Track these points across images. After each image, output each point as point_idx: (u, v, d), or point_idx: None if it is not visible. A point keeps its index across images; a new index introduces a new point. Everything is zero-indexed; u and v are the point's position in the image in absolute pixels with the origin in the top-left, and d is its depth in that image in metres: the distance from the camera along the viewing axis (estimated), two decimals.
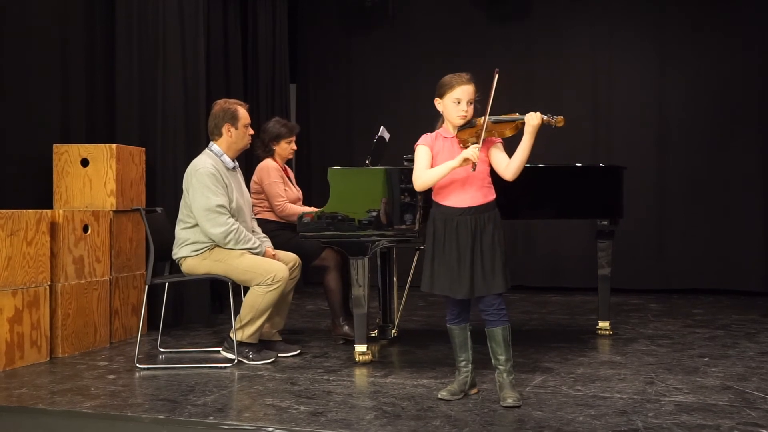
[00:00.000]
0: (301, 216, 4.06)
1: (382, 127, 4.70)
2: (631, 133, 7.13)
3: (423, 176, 3.30)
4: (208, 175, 4.06)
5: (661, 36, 7.11)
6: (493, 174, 3.33)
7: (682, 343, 4.57)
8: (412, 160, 4.33)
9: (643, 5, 7.15)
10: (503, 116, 3.26)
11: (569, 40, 7.33)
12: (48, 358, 4.20)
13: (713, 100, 6.96)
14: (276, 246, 4.39)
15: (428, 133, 3.37)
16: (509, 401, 3.16)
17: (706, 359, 4.11)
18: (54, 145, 4.79)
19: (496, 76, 3.18)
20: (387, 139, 4.73)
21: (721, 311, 5.90)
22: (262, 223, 4.62)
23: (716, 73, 6.95)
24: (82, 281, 4.46)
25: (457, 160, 3.19)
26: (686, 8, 7.03)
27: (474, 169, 3.18)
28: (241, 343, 4.09)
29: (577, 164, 4.77)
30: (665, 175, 7.08)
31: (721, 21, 6.93)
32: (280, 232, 4.67)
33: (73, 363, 4.14)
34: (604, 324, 4.86)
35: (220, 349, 4.28)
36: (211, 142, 4.26)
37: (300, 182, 5.23)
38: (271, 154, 4.88)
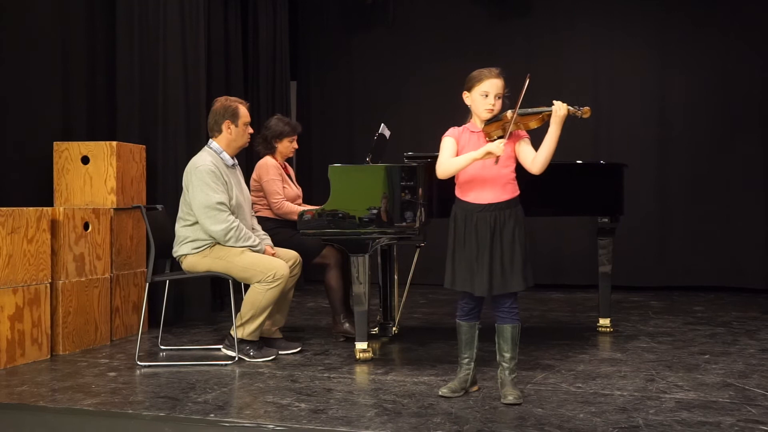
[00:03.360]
0: (302, 213, 4.06)
1: (382, 124, 4.69)
2: (633, 131, 7.12)
3: (445, 164, 3.25)
4: (207, 173, 4.06)
5: (663, 35, 7.09)
6: None
7: (683, 341, 4.57)
8: (412, 158, 4.36)
9: (644, 4, 7.13)
10: (529, 109, 3.23)
11: (570, 39, 7.33)
12: (49, 356, 4.21)
13: (714, 98, 6.95)
14: (277, 243, 4.39)
15: (456, 126, 3.33)
16: (510, 398, 3.16)
17: (706, 356, 4.11)
18: (54, 143, 4.78)
19: (527, 81, 3.15)
20: (387, 137, 4.73)
21: (721, 308, 5.89)
22: (261, 220, 4.62)
23: (717, 72, 6.94)
24: (82, 279, 4.47)
25: (480, 152, 3.14)
26: (687, 7, 7.02)
27: (497, 162, 3.16)
28: (241, 341, 4.09)
29: (578, 161, 4.76)
30: (666, 173, 7.08)
31: (722, 20, 6.92)
32: (281, 230, 4.66)
33: (74, 360, 4.14)
34: (604, 321, 4.87)
35: (220, 346, 4.28)
36: (211, 140, 4.25)
37: (300, 180, 5.23)
38: (272, 151, 4.88)
